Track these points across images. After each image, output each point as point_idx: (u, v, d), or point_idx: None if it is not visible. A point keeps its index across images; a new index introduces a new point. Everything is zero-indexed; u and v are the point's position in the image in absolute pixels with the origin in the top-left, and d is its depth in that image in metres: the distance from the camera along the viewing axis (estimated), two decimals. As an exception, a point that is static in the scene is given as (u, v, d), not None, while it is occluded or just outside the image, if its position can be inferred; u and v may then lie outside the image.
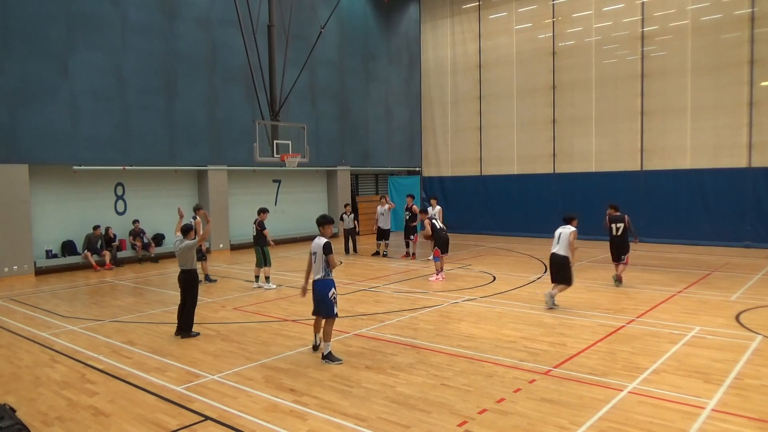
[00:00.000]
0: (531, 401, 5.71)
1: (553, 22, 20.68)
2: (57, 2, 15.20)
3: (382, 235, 17.42)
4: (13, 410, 5.02)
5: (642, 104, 18.85)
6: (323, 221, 7.43)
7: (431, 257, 15.55)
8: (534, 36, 21.27)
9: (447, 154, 24.20)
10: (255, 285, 12.58)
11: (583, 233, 19.79)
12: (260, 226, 12.61)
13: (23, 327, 9.48)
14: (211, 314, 10.06)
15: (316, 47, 19.34)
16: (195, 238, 8.87)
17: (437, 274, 12.94)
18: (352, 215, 18.09)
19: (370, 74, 25.16)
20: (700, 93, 17.74)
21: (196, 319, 9.69)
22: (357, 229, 18.59)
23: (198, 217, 12.95)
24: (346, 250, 17.95)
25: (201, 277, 13.37)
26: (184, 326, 8.58)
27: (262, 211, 12.89)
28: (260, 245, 12.55)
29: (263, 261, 12.50)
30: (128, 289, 13.02)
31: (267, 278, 12.55)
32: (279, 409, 5.70)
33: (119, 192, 17.51)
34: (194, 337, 8.46)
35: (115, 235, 16.73)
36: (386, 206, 17.41)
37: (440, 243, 12.96)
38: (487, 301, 10.49)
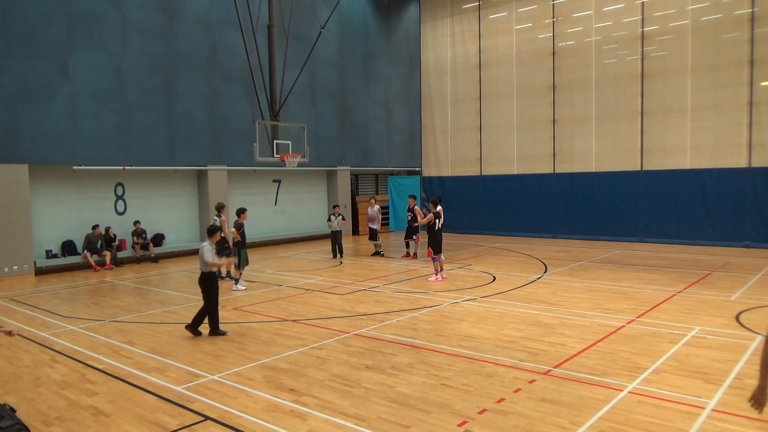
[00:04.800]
0: (531, 401, 5.71)
1: (553, 22, 20.68)
2: (57, 2, 15.20)
3: (373, 235, 17.48)
4: (13, 410, 5.01)
5: (642, 104, 18.85)
6: None
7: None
8: (534, 36, 21.26)
9: (447, 154, 24.20)
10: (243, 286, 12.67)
11: (583, 233, 20.01)
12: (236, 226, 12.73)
13: (23, 327, 9.48)
14: (211, 314, 10.06)
15: (316, 47, 19.35)
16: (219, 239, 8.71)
17: (436, 274, 12.96)
18: (340, 216, 17.00)
19: (370, 74, 25.17)
20: (700, 93, 17.74)
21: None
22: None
23: (223, 216, 13.17)
24: (334, 254, 17.03)
25: (223, 273, 13.44)
26: (211, 325, 8.52)
27: (242, 211, 13.01)
28: (240, 247, 12.58)
29: (239, 263, 12.58)
30: (128, 289, 13.01)
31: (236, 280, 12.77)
32: (279, 409, 5.70)
33: (119, 192, 17.51)
34: (197, 337, 8.43)
35: (115, 235, 16.72)
36: (376, 207, 17.44)
37: (433, 243, 12.99)
38: (487, 301, 10.49)
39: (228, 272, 13.50)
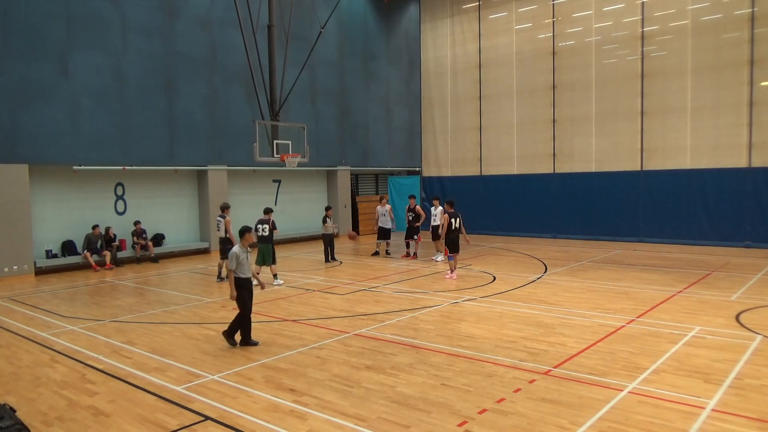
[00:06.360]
0: (531, 401, 5.71)
1: (553, 22, 20.69)
2: (57, 2, 15.20)
3: (384, 234, 17.37)
4: (13, 410, 5.02)
5: (642, 104, 18.86)
6: None
7: (439, 258, 15.59)
8: (534, 36, 21.28)
9: (447, 154, 24.21)
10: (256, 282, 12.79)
11: (583, 233, 20.03)
12: (273, 225, 13.01)
13: (23, 327, 9.48)
14: (211, 314, 10.06)
15: (316, 47, 19.34)
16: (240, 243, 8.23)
17: (451, 272, 13.15)
18: (331, 219, 16.40)
19: (370, 74, 25.17)
20: (700, 93, 17.75)
21: (195, 318, 9.72)
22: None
23: (227, 216, 13.29)
24: (326, 257, 16.27)
25: (223, 274, 13.49)
26: (242, 334, 8.02)
27: (269, 210, 13.32)
28: (269, 243, 12.80)
29: (271, 259, 12.79)
30: (128, 289, 13.01)
31: (275, 275, 12.99)
32: (279, 409, 5.70)
33: (119, 192, 17.51)
34: (232, 346, 7.89)
35: (115, 235, 16.72)
36: (387, 206, 17.36)
37: (448, 242, 13.09)
38: (487, 301, 10.49)
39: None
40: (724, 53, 17.29)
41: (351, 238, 16.03)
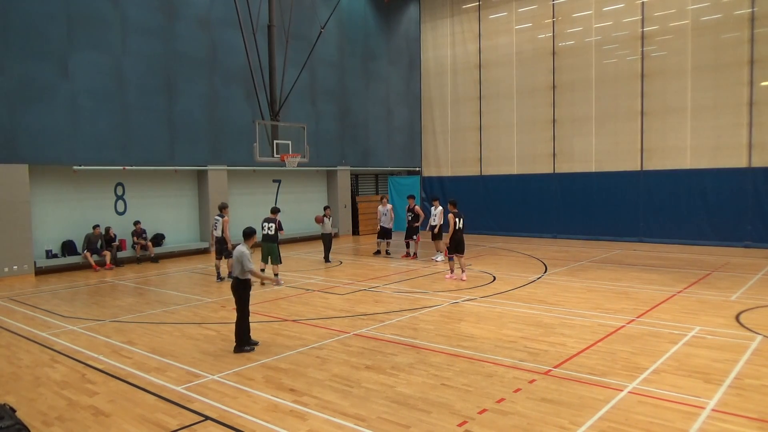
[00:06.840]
0: (531, 401, 5.71)
1: (553, 22, 20.68)
2: (57, 2, 15.20)
3: (385, 234, 17.37)
4: (13, 410, 5.01)
5: (642, 104, 18.85)
6: None
7: (439, 258, 15.59)
8: (534, 36, 21.27)
9: (447, 154, 24.21)
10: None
11: (583, 233, 20.02)
12: (279, 226, 13.14)
13: (23, 327, 9.48)
14: (211, 314, 10.06)
15: (316, 47, 19.35)
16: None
17: (451, 272, 13.12)
18: (330, 218, 16.49)
19: (370, 74, 25.17)
20: (700, 93, 17.74)
21: (195, 318, 9.72)
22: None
23: (225, 216, 13.38)
24: (327, 257, 16.29)
25: (223, 274, 13.51)
26: (236, 340, 7.82)
27: (277, 210, 13.56)
28: (275, 243, 12.89)
29: (277, 258, 12.90)
30: (128, 289, 13.01)
31: (276, 275, 13.03)
32: (279, 409, 5.70)
33: (119, 192, 17.50)
34: (248, 352, 7.68)
35: (115, 235, 16.72)
36: (388, 206, 17.36)
37: (453, 243, 12.87)
38: (487, 301, 10.49)
39: (229, 273, 13.48)
40: (724, 53, 17.29)
41: (318, 221, 15.93)
